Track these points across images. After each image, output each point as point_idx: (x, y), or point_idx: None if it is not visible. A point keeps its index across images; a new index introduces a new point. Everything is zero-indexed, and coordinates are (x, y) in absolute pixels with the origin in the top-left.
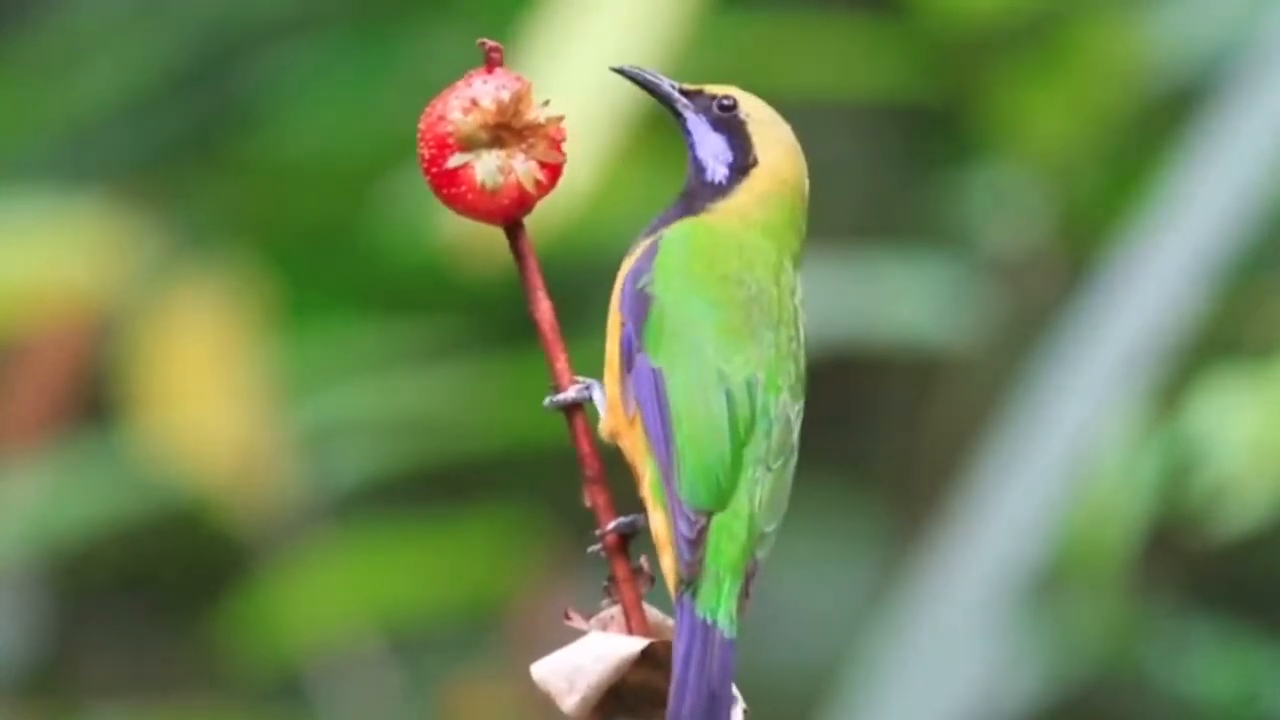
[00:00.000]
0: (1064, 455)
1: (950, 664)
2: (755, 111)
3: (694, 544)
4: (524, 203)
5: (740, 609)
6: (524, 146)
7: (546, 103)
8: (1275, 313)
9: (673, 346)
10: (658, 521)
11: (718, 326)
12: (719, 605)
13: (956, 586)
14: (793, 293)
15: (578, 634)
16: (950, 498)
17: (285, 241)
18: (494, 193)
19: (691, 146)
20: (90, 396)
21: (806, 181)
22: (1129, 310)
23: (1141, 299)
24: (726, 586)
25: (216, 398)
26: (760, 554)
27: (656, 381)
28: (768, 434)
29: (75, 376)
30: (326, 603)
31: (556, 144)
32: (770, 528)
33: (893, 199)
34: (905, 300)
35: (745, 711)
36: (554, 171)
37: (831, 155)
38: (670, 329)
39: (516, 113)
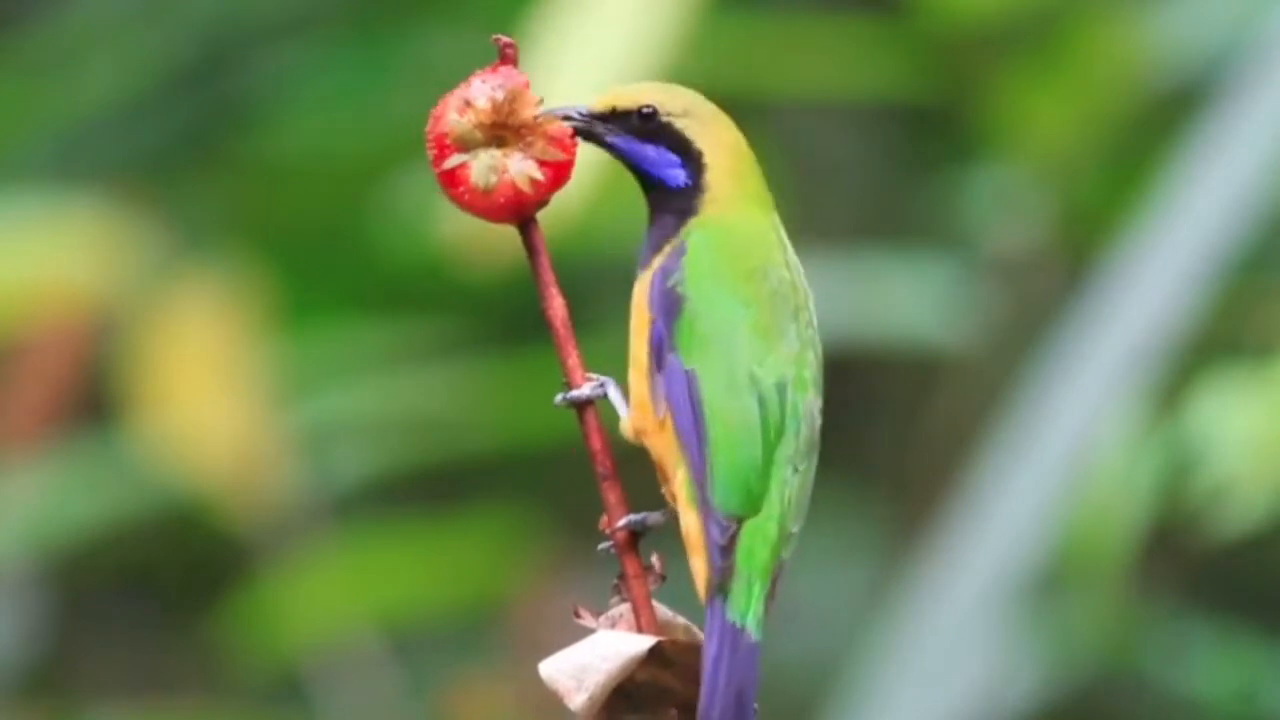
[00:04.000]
0: (1064, 455)
1: (950, 664)
2: (669, 104)
3: (726, 550)
4: (521, 201)
5: (766, 610)
6: (522, 145)
7: (541, 100)
8: (1275, 313)
9: (706, 348)
10: (689, 523)
11: (750, 327)
12: (748, 609)
13: (956, 586)
14: (799, 270)
15: (578, 633)
16: (950, 497)
17: (285, 241)
18: (488, 192)
19: (637, 167)
20: (90, 396)
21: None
22: (1129, 310)
23: (1141, 299)
24: (756, 589)
25: (216, 398)
26: (785, 554)
27: (690, 384)
28: (796, 434)
29: (75, 376)
30: (326, 603)
31: (557, 141)
32: (796, 528)
33: (893, 199)
34: (905, 300)
35: (754, 710)
36: (557, 169)
37: (831, 155)
38: (703, 330)
39: (512, 111)
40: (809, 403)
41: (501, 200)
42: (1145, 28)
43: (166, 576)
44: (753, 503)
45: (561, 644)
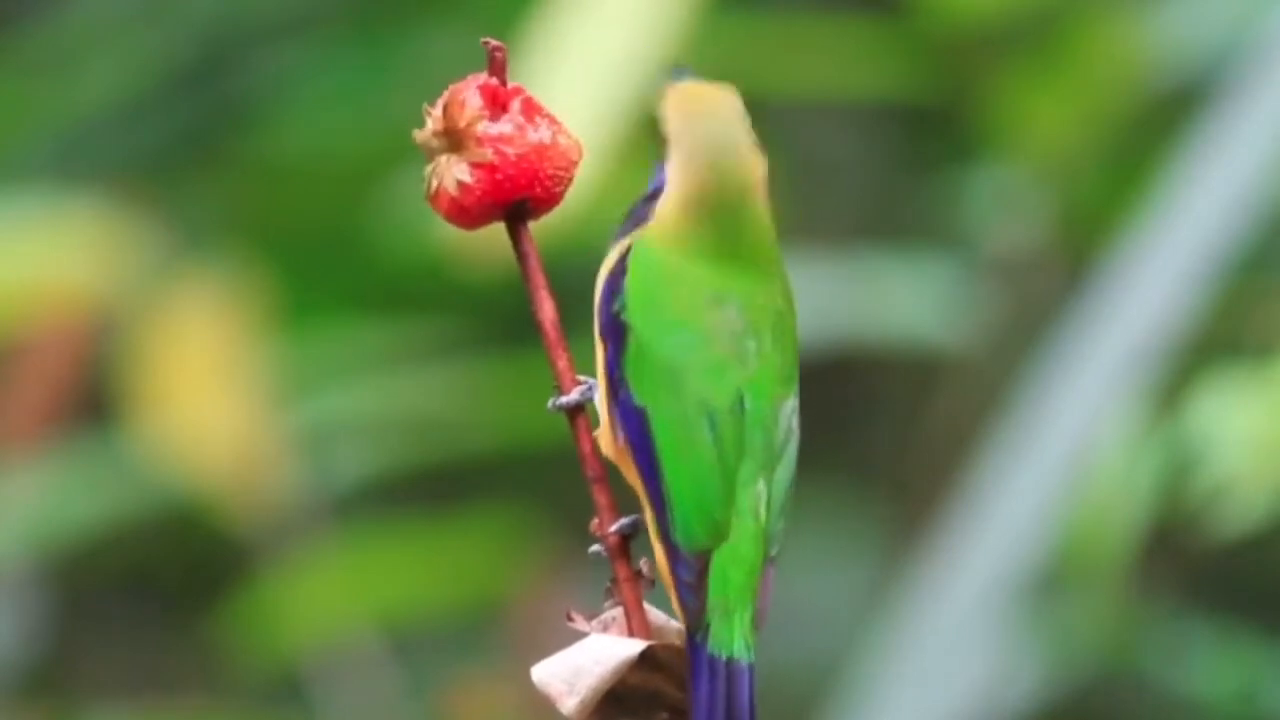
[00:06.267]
0: (1064, 455)
1: (950, 664)
2: (676, 122)
3: (695, 587)
4: (463, 205)
5: (757, 622)
6: (462, 150)
7: (481, 107)
8: (1275, 313)
9: (654, 382)
10: (660, 559)
11: (697, 358)
12: (733, 637)
13: (956, 586)
14: (767, 289)
15: (579, 634)
16: (950, 497)
17: (285, 241)
18: (431, 199)
19: None
20: (90, 396)
21: (735, 187)
22: (1129, 310)
23: (1141, 299)
24: (738, 615)
25: (216, 398)
26: (772, 553)
27: (640, 423)
28: (765, 441)
29: (75, 376)
30: (326, 603)
31: (489, 141)
32: (780, 525)
33: (893, 199)
34: (905, 300)
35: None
36: (490, 170)
37: (831, 155)
38: (649, 364)
39: (452, 118)
40: (775, 402)
41: (443, 206)
42: (1145, 28)
43: (166, 576)
44: (718, 531)
45: (560, 644)
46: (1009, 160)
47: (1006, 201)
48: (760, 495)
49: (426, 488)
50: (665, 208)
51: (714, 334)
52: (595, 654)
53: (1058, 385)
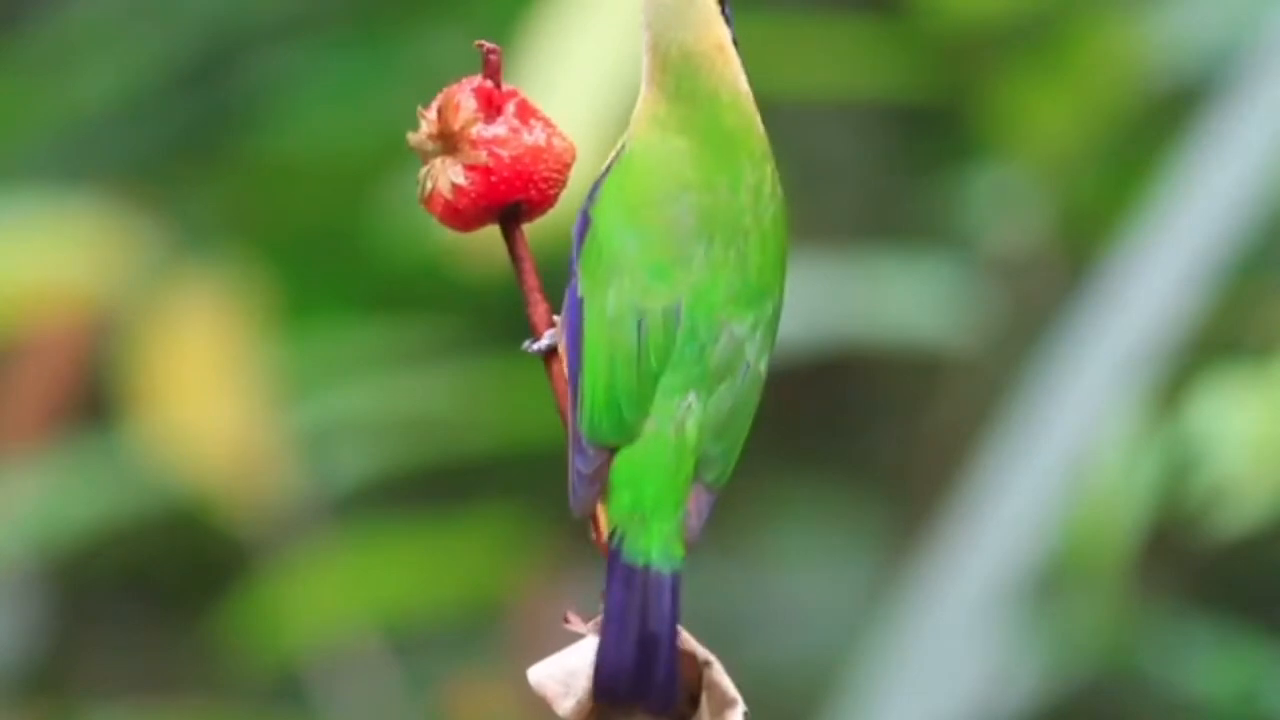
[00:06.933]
0: (1064, 455)
1: (950, 664)
2: (646, 13)
3: (590, 479)
4: (456, 208)
5: (687, 540)
6: (458, 153)
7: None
8: (1275, 313)
9: (597, 275)
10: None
11: (642, 257)
12: (650, 546)
13: (956, 586)
14: (753, 188)
15: (576, 635)
16: (950, 497)
17: (285, 241)
18: (425, 201)
19: None
20: (90, 396)
21: (694, 54)
22: (1129, 310)
23: (1141, 299)
24: (656, 526)
25: (216, 398)
26: (709, 477)
27: (576, 312)
28: (700, 357)
29: (75, 376)
30: (326, 603)
31: (484, 143)
32: (718, 449)
33: (893, 199)
34: (905, 300)
35: (745, 714)
36: (484, 173)
37: (831, 155)
38: (597, 256)
39: (447, 120)
40: (720, 322)
41: (437, 209)
42: (1145, 28)
43: (166, 576)
44: (624, 430)
45: (559, 645)
46: (1009, 160)
47: (1006, 201)
48: (689, 409)
49: (426, 488)
50: (640, 102)
51: (662, 234)
52: (590, 656)
53: (1058, 385)
